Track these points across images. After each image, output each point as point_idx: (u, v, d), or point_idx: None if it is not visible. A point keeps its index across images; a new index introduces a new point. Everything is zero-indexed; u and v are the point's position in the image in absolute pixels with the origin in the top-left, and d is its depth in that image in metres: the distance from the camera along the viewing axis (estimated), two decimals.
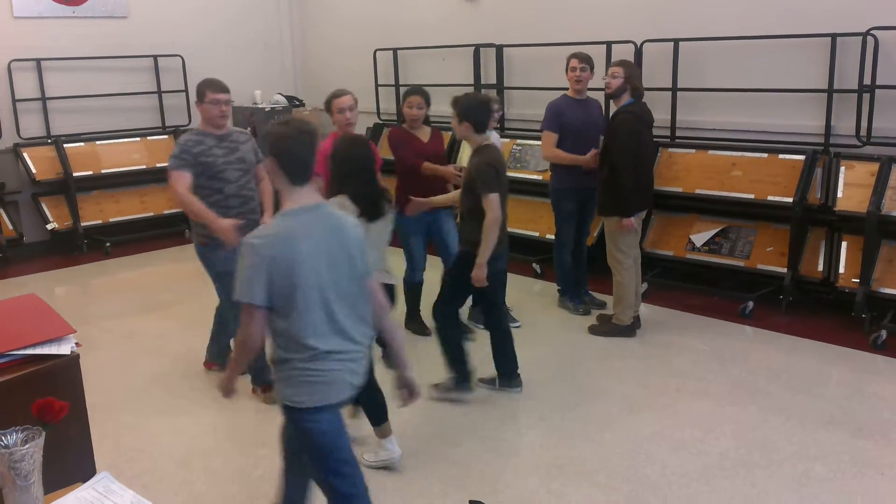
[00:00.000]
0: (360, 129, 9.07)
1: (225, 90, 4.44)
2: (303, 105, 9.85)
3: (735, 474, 3.68)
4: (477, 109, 4.32)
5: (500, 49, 7.73)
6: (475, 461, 3.86)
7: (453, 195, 4.76)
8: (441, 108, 8.53)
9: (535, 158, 6.96)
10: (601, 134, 5.64)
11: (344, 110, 4.76)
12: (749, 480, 3.63)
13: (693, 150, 6.32)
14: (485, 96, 4.79)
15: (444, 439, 4.11)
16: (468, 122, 4.29)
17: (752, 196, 5.90)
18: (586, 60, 5.63)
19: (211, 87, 4.42)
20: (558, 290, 6.06)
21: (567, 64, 5.68)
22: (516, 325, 5.59)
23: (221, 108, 4.41)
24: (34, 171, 7.97)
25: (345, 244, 2.67)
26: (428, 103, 5.30)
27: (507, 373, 4.63)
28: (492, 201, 4.17)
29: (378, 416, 3.80)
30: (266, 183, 4.62)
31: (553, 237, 6.02)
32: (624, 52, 6.57)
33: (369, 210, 3.53)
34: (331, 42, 9.92)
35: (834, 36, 5.62)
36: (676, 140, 6.51)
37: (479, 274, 4.23)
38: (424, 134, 5.33)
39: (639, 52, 6.55)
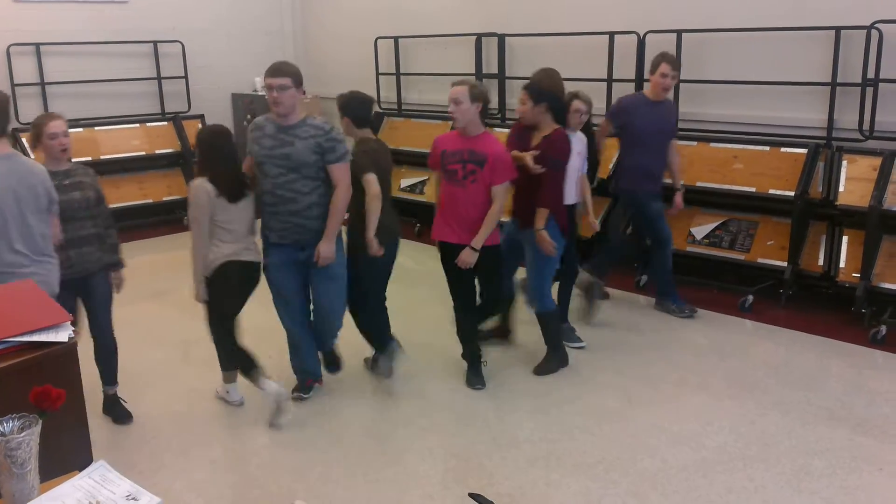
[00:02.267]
0: None
1: (277, 73, 3.98)
2: (304, 93, 9.77)
3: (733, 468, 3.67)
4: (358, 106, 4.39)
5: (501, 38, 7.69)
6: (474, 453, 3.85)
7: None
8: (444, 96, 8.49)
9: None
10: (671, 138, 5.53)
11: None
12: (747, 474, 3.63)
13: (695, 143, 6.29)
14: (369, 96, 4.52)
15: (442, 431, 4.10)
16: (348, 118, 4.36)
17: (753, 189, 5.89)
18: (678, 67, 5.44)
19: (267, 73, 4.03)
20: (658, 293, 5.83)
21: (655, 67, 5.36)
22: (580, 345, 5.10)
23: (273, 94, 3.97)
24: (32, 156, 7.92)
25: (32, 185, 3.33)
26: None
27: (380, 346, 4.60)
28: (370, 181, 4.19)
29: (225, 363, 4.37)
30: (340, 190, 4.03)
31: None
32: (627, 43, 6.54)
33: (229, 191, 3.98)
34: (332, 30, 9.87)
35: (838, 29, 5.59)
36: (678, 132, 6.47)
37: (374, 247, 4.23)
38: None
39: (641, 44, 6.52)
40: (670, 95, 5.73)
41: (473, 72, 7.85)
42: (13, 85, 8.04)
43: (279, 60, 4.17)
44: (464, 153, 4.29)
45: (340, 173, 4.06)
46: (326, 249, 4.07)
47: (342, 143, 4.07)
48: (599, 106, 6.79)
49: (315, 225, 4.07)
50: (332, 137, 4.03)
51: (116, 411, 4.26)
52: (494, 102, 7.92)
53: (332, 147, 4.03)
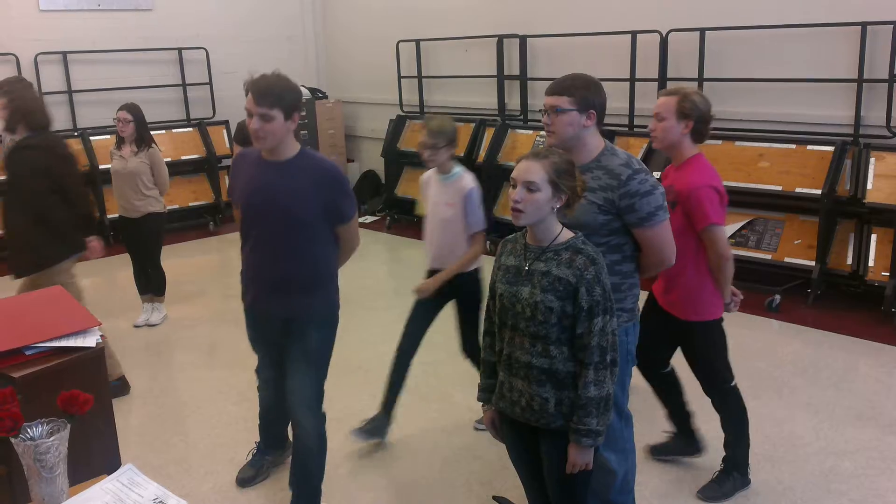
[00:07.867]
0: (384, 120, 9.08)
1: (550, 90, 2.77)
2: (326, 97, 9.85)
3: (760, 469, 3.63)
4: None
5: (523, 39, 7.68)
6: (498, 457, 3.84)
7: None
8: (466, 98, 8.48)
9: None
10: None
11: None
12: (775, 476, 3.59)
13: (720, 142, 6.24)
14: None
15: (465, 433, 4.10)
16: None
17: (779, 188, 5.82)
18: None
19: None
20: None
21: None
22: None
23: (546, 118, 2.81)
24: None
25: None
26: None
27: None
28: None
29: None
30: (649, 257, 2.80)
31: None
32: (649, 42, 6.51)
33: None
34: (354, 34, 9.92)
35: (864, 24, 5.52)
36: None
37: None
38: None
39: (664, 43, 6.48)
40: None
41: (495, 73, 7.85)
42: (41, 93, 8.15)
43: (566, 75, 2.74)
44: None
45: (653, 238, 2.69)
46: None
47: (649, 197, 2.62)
48: (622, 106, 6.78)
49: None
50: (630, 192, 2.60)
51: None
52: (516, 104, 7.92)
53: (631, 205, 2.61)
